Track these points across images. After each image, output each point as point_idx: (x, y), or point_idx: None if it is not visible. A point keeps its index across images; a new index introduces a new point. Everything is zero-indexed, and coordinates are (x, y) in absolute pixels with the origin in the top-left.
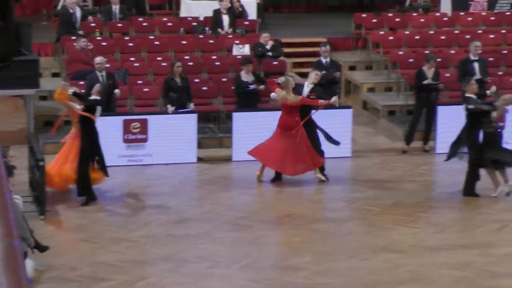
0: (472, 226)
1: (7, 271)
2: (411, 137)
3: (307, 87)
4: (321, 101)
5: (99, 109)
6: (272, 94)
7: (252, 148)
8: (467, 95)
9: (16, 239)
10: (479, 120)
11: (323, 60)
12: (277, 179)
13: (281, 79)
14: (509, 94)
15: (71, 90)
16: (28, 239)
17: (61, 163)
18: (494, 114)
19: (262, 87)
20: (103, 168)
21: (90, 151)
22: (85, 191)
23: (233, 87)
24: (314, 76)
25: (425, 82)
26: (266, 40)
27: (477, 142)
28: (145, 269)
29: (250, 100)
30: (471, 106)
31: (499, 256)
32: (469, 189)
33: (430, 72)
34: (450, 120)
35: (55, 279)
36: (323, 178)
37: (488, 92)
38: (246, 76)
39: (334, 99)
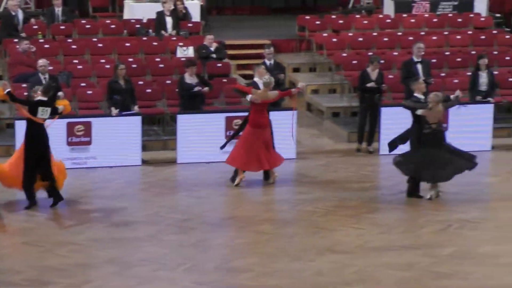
0: (416, 226)
1: None
2: (362, 138)
3: (261, 84)
4: (293, 90)
5: (47, 110)
6: (250, 96)
7: (228, 156)
8: (415, 94)
9: None
10: (419, 119)
11: (267, 62)
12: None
13: (265, 78)
14: (434, 93)
15: (7, 90)
16: None
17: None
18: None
19: (206, 89)
20: (45, 173)
21: (33, 154)
22: (28, 194)
23: (177, 89)
24: (260, 70)
25: (369, 85)
26: (211, 42)
27: (416, 141)
28: (90, 272)
29: (195, 102)
30: (404, 102)
31: (443, 256)
32: (413, 190)
33: (374, 74)
34: (394, 122)
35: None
36: (271, 181)
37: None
38: (190, 78)
39: (301, 84)
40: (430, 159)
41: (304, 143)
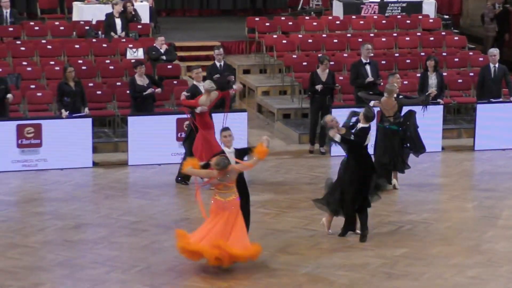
0: (368, 227)
1: None
2: (314, 140)
3: (201, 86)
4: (230, 91)
5: None
6: (199, 108)
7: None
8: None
9: None
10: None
11: (217, 64)
12: None
13: (207, 84)
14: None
15: None
16: None
17: None
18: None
19: (158, 90)
20: None
21: None
22: None
23: (128, 91)
24: (196, 73)
25: (317, 87)
26: (162, 43)
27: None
28: (41, 275)
29: (146, 104)
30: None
31: (395, 257)
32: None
33: (324, 75)
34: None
35: None
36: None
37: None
38: (140, 79)
39: (237, 85)
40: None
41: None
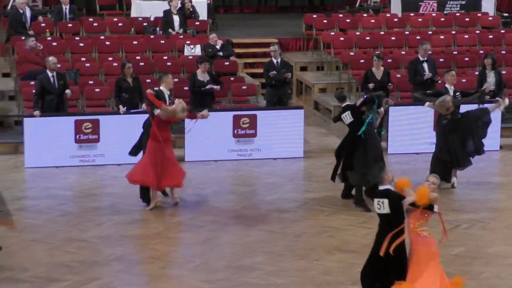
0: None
1: None
2: None
3: (166, 92)
4: (198, 114)
5: None
6: (157, 111)
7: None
8: (445, 85)
9: None
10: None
11: (274, 61)
12: None
13: (178, 102)
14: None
15: None
16: None
17: None
18: (426, 105)
19: (217, 87)
20: None
21: None
22: None
23: (186, 87)
24: (167, 80)
25: (370, 85)
26: (215, 40)
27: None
28: (98, 269)
29: (205, 100)
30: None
31: (452, 256)
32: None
33: (379, 73)
34: (402, 120)
35: (8, 279)
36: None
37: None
38: (202, 75)
39: (205, 111)
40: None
41: (312, 142)
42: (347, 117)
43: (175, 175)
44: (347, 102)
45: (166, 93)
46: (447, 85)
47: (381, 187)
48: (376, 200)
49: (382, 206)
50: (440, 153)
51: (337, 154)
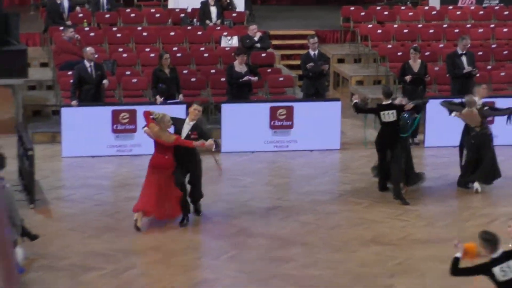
0: (461, 220)
1: None
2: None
3: (187, 125)
4: (196, 143)
5: None
6: (145, 129)
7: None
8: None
9: (6, 227)
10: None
11: (312, 53)
12: None
13: (156, 114)
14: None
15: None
16: (19, 227)
17: None
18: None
19: (255, 78)
20: None
21: None
22: None
23: (223, 79)
24: (195, 112)
25: (406, 77)
26: (254, 32)
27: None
28: (134, 258)
29: (242, 91)
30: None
31: None
32: (462, 181)
33: (416, 65)
34: (439, 113)
35: (45, 267)
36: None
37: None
38: (239, 66)
39: (209, 142)
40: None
41: (348, 134)
42: (391, 115)
43: (167, 209)
44: (390, 100)
45: (187, 123)
46: (476, 98)
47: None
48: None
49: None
50: (468, 164)
51: (379, 149)
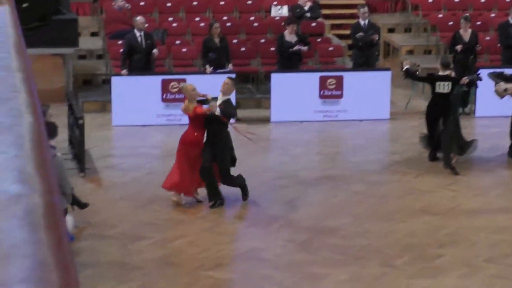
0: (511, 189)
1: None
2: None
3: (219, 100)
4: (205, 108)
5: None
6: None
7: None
8: None
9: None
10: None
11: (362, 22)
12: None
13: (181, 85)
14: None
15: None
16: (69, 195)
17: None
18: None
19: (305, 48)
20: None
21: None
22: None
23: (272, 48)
24: (223, 85)
25: (457, 47)
26: (304, 1)
27: None
28: (182, 228)
29: (292, 61)
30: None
31: None
32: None
33: (467, 35)
34: (490, 85)
35: (95, 236)
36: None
37: None
38: (289, 36)
39: (212, 103)
40: None
41: (398, 104)
42: (446, 86)
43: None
44: (448, 71)
45: (220, 98)
46: None
47: None
48: None
49: None
50: None
51: (430, 120)
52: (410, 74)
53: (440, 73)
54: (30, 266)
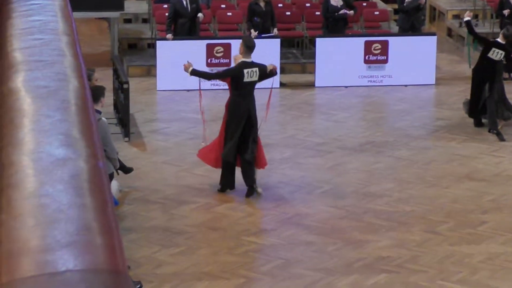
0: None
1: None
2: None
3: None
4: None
5: None
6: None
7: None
8: None
9: (101, 160)
10: None
11: None
12: None
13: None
14: None
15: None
16: (114, 160)
17: None
18: None
19: (351, 12)
20: None
21: None
22: None
23: (318, 13)
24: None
25: (505, 11)
26: None
27: None
28: (227, 192)
29: (338, 25)
30: None
31: None
32: None
33: None
34: None
35: (139, 200)
36: None
37: None
38: (335, 0)
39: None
40: None
41: (444, 69)
42: (499, 55)
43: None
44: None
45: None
46: None
47: None
48: None
49: None
50: None
51: (477, 84)
52: (470, 27)
53: (499, 40)
54: (74, 230)
